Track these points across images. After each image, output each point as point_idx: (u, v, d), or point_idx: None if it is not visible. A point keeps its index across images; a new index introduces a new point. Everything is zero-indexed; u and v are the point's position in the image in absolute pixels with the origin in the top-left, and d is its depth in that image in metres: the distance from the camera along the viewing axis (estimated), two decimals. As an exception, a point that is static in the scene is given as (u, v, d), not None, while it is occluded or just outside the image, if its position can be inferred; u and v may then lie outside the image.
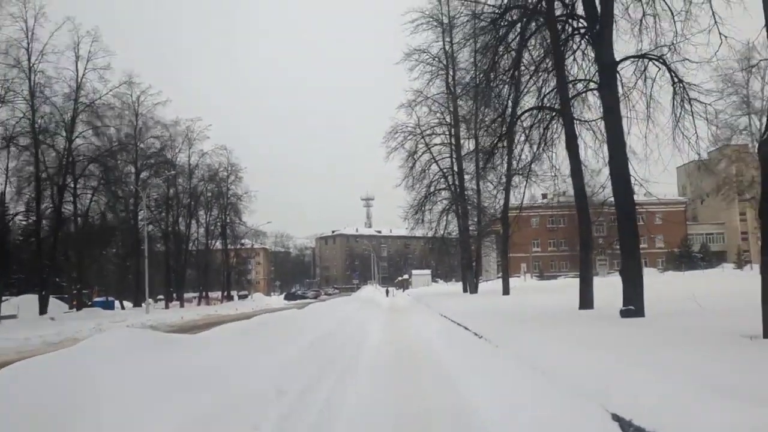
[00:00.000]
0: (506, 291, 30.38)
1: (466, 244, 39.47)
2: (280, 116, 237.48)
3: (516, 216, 30.07)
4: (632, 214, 12.64)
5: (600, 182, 17.75)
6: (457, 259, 50.51)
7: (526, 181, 24.31)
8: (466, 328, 14.13)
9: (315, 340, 12.40)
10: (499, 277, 79.55)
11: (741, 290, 20.04)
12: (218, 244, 63.52)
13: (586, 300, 15.87)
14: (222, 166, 58.81)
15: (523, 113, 18.61)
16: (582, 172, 16.68)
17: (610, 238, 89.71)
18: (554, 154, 19.39)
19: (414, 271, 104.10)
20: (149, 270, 57.79)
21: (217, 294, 66.60)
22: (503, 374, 7.75)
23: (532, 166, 22.08)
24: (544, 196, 45.12)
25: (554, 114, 17.58)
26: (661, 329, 9.26)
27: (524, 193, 25.39)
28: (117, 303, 51.06)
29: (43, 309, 35.91)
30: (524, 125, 19.23)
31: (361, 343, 13.35)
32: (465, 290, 40.68)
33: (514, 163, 24.23)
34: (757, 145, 44.69)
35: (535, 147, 19.69)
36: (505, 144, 21.69)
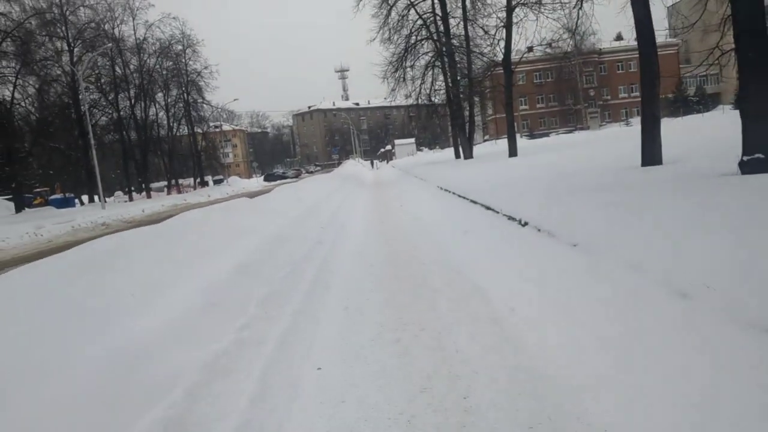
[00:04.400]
0: (513, 152, 25.16)
1: (457, 99, 33.75)
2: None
3: (520, 60, 24.66)
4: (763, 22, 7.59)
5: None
6: (442, 124, 45.14)
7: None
8: (490, 208, 9.39)
9: (256, 250, 7.65)
10: (486, 140, 74.83)
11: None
12: (184, 129, 57.36)
13: (651, 154, 11.18)
14: (175, 39, 51.82)
15: None
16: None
17: (602, 88, 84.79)
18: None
19: (397, 141, 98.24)
20: (109, 162, 52.68)
21: (190, 181, 61.57)
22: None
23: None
24: (530, 49, 39.14)
25: None
26: None
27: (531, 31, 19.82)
28: (78, 200, 47.27)
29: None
30: None
31: (330, 254, 8.63)
32: (458, 156, 35.73)
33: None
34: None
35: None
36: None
